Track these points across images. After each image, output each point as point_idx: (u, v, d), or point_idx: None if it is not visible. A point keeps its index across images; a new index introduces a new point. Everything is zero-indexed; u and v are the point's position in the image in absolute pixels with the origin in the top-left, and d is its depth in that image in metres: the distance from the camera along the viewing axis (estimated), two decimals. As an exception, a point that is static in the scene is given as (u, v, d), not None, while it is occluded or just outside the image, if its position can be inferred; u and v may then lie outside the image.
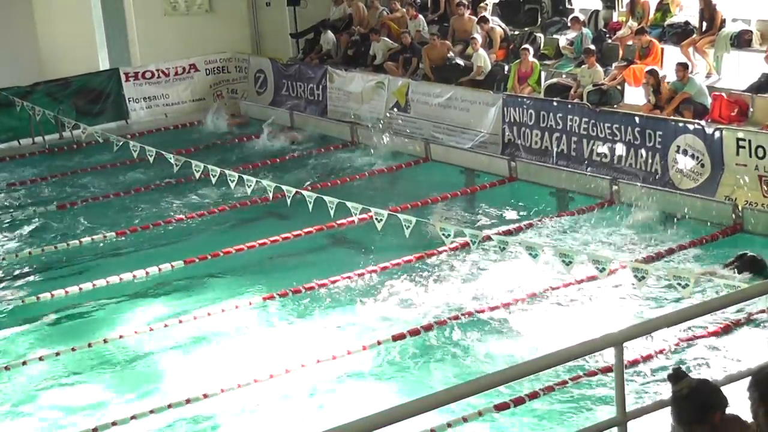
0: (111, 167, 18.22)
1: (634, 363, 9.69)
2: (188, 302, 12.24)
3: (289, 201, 13.53)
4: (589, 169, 15.35)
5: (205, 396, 9.71)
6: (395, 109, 18.92)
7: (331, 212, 12.83)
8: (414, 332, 10.87)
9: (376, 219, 12.39)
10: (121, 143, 16.42)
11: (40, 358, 10.78)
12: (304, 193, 13.42)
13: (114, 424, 9.30)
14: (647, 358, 9.86)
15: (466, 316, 11.25)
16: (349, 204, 12.65)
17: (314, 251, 13.78)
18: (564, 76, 17.44)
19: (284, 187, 13.55)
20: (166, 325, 11.41)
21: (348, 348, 10.56)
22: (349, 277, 12.43)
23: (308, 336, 11.07)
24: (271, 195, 13.87)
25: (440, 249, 13.07)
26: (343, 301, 11.88)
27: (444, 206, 15.21)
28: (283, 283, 12.36)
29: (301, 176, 16.80)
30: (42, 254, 14.06)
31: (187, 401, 9.65)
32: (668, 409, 4.30)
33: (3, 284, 13.28)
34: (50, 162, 19.31)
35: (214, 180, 14.50)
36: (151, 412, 9.49)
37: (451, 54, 18.89)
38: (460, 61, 18.59)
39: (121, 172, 18.01)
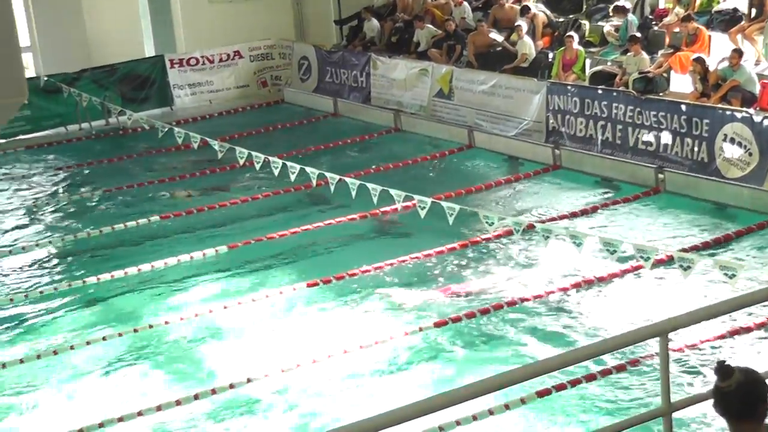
0: (156, 153, 18.36)
1: (680, 353, 9.61)
2: (232, 287, 12.32)
3: (332, 188, 13.56)
4: (634, 157, 15.23)
5: (249, 381, 9.77)
6: (439, 97, 18.88)
7: (375, 199, 12.83)
8: (456, 319, 10.86)
9: (420, 206, 12.37)
10: (165, 129, 16.53)
11: (87, 342, 10.90)
12: (348, 180, 13.44)
13: (159, 408, 9.40)
14: (692, 348, 9.78)
15: (509, 304, 11.21)
16: (392, 191, 12.65)
17: (357, 238, 13.80)
18: (609, 63, 17.29)
19: (328, 174, 13.58)
20: (210, 311, 11.49)
21: (390, 334, 10.57)
22: (391, 264, 12.43)
23: (351, 322, 11.09)
24: (314, 182, 13.90)
25: (483, 237, 13.04)
26: (385, 288, 11.88)
27: (488, 194, 15.18)
28: (326, 269, 12.39)
29: (345, 163, 16.81)
30: (87, 239, 14.21)
31: (231, 386, 9.72)
32: (713, 401, 4.25)
33: (49, 269, 13.44)
34: (96, 147, 19.51)
35: (257, 166, 14.55)
36: (196, 397, 9.58)
37: (495, 40, 18.81)
38: (508, 45, 18.51)
39: (165, 157, 18.14)
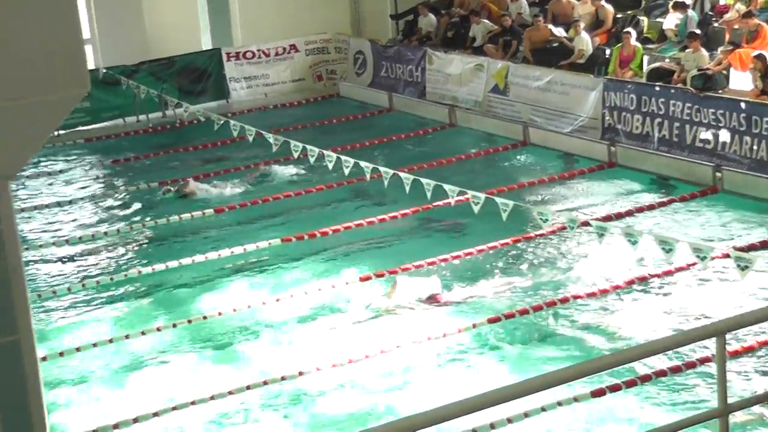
0: (212, 146, 18.51)
1: (736, 354, 9.49)
2: (285, 281, 12.38)
3: (386, 182, 13.57)
4: (691, 155, 15.06)
5: (301, 374, 9.82)
6: (494, 92, 18.80)
7: (428, 194, 12.82)
8: (509, 316, 10.82)
9: (473, 202, 12.33)
10: (221, 122, 16.66)
11: (142, 333, 11.01)
12: (401, 174, 13.44)
13: (212, 398, 9.48)
14: (749, 349, 9.66)
15: (562, 301, 11.15)
16: (446, 186, 12.63)
17: (410, 233, 13.80)
18: (667, 60, 17.09)
19: (381, 168, 13.59)
20: (263, 303, 11.56)
21: (443, 330, 10.56)
22: (444, 260, 12.42)
23: (403, 317, 11.09)
24: (368, 176, 13.91)
25: (537, 233, 12.98)
26: (438, 284, 11.84)
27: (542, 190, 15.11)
28: (379, 264, 12.42)
29: (399, 158, 16.80)
30: (143, 229, 14.36)
31: (283, 378, 9.78)
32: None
33: (106, 259, 13.61)
34: (153, 140, 19.71)
35: (312, 160, 14.61)
36: (248, 387, 9.65)
37: (553, 36, 18.70)
38: (566, 42, 18.39)
39: (221, 150, 18.28)
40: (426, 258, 12.42)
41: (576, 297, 11.22)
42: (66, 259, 13.65)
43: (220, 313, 11.36)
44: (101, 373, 10.36)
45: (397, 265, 12.24)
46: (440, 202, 13.45)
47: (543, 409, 8.62)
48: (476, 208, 12.28)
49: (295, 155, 14.99)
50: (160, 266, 12.63)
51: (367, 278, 12.04)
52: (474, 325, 10.67)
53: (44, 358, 10.14)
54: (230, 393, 9.54)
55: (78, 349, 10.70)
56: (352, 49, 22.49)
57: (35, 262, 13.32)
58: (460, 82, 19.52)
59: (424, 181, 12.83)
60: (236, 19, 23.59)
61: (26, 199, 16.26)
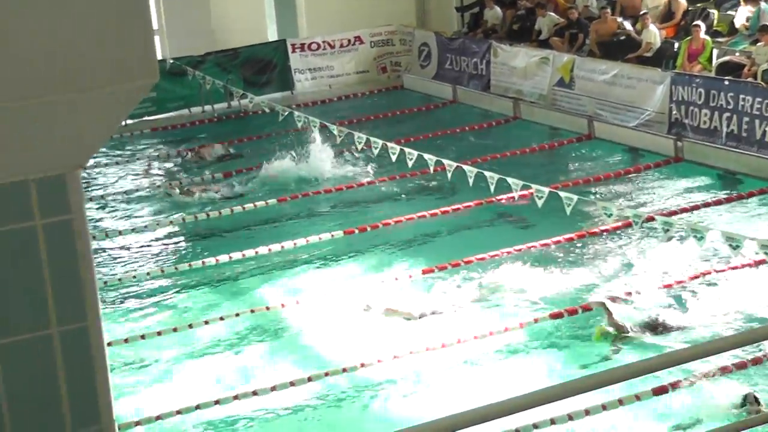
0: (276, 136, 18.60)
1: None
2: (347, 272, 12.42)
3: (449, 175, 13.54)
4: (760, 150, 14.80)
5: (362, 365, 9.84)
6: (559, 86, 18.66)
7: (492, 187, 12.77)
8: (572, 312, 10.75)
9: (537, 195, 12.26)
10: (286, 113, 16.74)
11: (206, 322, 11.12)
12: (465, 167, 13.39)
13: (273, 389, 9.53)
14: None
15: (627, 295, 11.03)
16: (509, 179, 12.57)
17: (473, 226, 13.76)
18: (737, 54, 16.81)
19: (445, 161, 13.56)
20: (325, 294, 11.60)
21: (504, 324, 10.52)
22: (507, 253, 12.36)
23: (465, 310, 11.07)
24: (432, 168, 13.89)
25: (601, 228, 12.86)
26: (500, 277, 11.80)
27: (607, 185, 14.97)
28: (441, 257, 12.40)
29: (462, 150, 16.76)
30: (207, 220, 14.48)
31: (344, 370, 9.81)
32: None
33: (171, 248, 13.77)
34: (218, 130, 19.87)
35: (375, 152, 14.62)
36: (309, 379, 9.69)
37: (620, 29, 18.49)
38: (634, 35, 18.18)
39: (285, 141, 18.37)
40: (488, 251, 12.36)
41: (640, 292, 11.09)
42: (132, 248, 13.83)
43: (283, 305, 11.43)
44: (164, 361, 10.48)
45: (460, 258, 12.21)
46: (503, 196, 13.39)
47: (603, 407, 8.54)
48: (540, 202, 12.20)
49: (359, 147, 15.02)
50: (224, 257, 12.74)
51: (430, 271, 12.04)
52: (536, 320, 10.61)
53: (109, 344, 10.28)
54: (292, 384, 9.59)
55: (143, 337, 10.84)
56: (417, 41, 22.45)
57: (103, 250, 13.52)
58: (525, 75, 19.39)
59: (487, 174, 12.78)
60: (302, 11, 23.68)
61: (95, 187, 16.49)
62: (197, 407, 9.29)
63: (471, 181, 13.08)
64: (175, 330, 10.98)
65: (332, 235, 13.23)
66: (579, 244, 12.66)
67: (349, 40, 22.54)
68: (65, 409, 2.75)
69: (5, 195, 2.67)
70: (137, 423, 9.04)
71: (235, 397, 9.44)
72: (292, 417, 9.32)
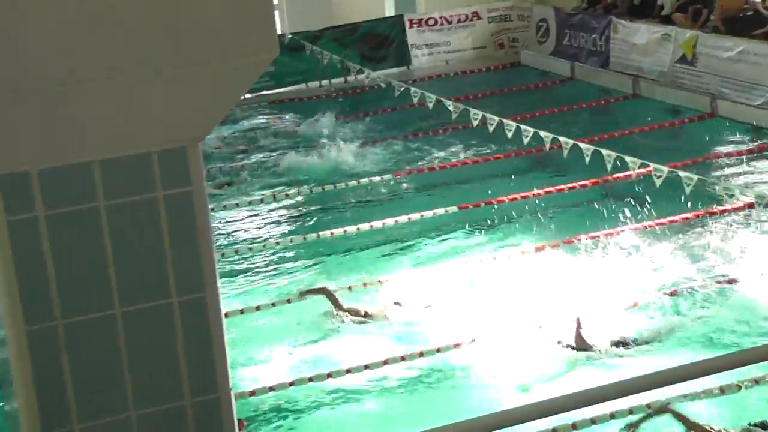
0: (391, 111, 18.64)
1: None
2: (459, 248, 12.38)
3: (565, 153, 13.37)
4: None
5: (456, 346, 9.69)
6: (681, 63, 18.21)
7: (608, 166, 12.56)
8: (673, 293, 10.51)
9: (656, 175, 12.01)
10: (402, 89, 16.74)
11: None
12: (581, 145, 13.20)
13: (348, 371, 9.50)
14: None
15: (730, 282, 10.75)
16: (627, 158, 12.34)
17: (588, 204, 13.56)
18: None
19: (561, 138, 13.38)
20: (437, 270, 11.58)
21: (624, 303, 10.34)
22: (622, 231, 12.15)
23: (578, 289, 10.91)
24: (547, 146, 13.74)
25: (722, 209, 12.54)
26: (615, 256, 11.62)
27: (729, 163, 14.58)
28: (555, 234, 12.27)
29: (579, 128, 16.52)
30: (324, 192, 14.61)
31: (438, 350, 9.71)
32: None
33: (275, 223, 13.92)
34: (335, 104, 19.99)
35: (491, 129, 14.51)
36: (384, 362, 9.62)
37: (747, 4, 17.94)
38: (762, 10, 17.61)
39: (399, 115, 18.39)
40: (603, 229, 12.18)
41: (763, 275, 10.78)
42: (238, 222, 14.03)
43: (380, 281, 11.41)
44: (265, 336, 10.58)
45: (573, 235, 12.07)
46: (621, 174, 13.16)
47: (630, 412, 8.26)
48: (658, 182, 11.96)
49: (474, 123, 14.94)
50: (338, 230, 12.83)
51: (542, 248, 11.92)
52: (653, 301, 10.42)
53: (226, 315, 10.41)
54: (385, 363, 9.56)
55: (242, 312, 10.93)
56: (535, 16, 22.18)
57: (220, 222, 13.76)
58: (646, 52, 18.98)
59: (604, 152, 12.57)
60: (419, -14, 23.63)
61: (213, 161, 16.75)
62: (291, 384, 9.35)
63: (587, 159, 12.88)
64: (288, 301, 11.11)
65: (446, 211, 13.21)
66: (697, 225, 12.37)
67: (467, 16, 22.40)
68: (183, 377, 2.81)
69: (129, 167, 2.73)
70: (251, 393, 9.19)
71: (329, 375, 9.43)
72: (388, 395, 9.29)
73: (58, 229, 2.65)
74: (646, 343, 9.70)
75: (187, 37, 2.67)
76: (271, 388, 9.33)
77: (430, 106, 15.97)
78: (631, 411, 8.12)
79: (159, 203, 2.76)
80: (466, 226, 13.01)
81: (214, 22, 2.68)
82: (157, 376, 2.78)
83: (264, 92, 20.55)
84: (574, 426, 8.06)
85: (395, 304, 10.78)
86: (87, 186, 2.67)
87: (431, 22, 22.26)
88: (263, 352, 10.24)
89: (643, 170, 12.29)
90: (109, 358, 2.73)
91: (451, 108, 15.38)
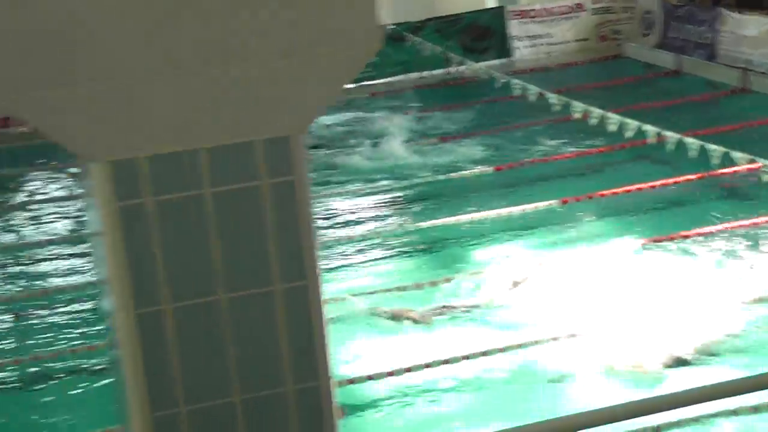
0: (492, 103, 18.54)
1: None
2: (562, 242, 12.27)
3: (671, 146, 13.14)
4: None
5: (554, 339, 9.64)
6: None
7: (715, 161, 12.31)
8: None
9: (765, 171, 11.73)
10: (503, 81, 16.65)
11: (417, 286, 11.23)
12: (687, 139, 12.96)
13: (466, 357, 9.47)
14: None
15: None
16: (734, 153, 12.07)
17: (693, 200, 13.31)
18: None
19: (667, 132, 13.16)
20: (539, 263, 11.50)
21: (726, 302, 10.14)
22: (726, 228, 11.89)
23: (680, 285, 10.72)
24: (652, 139, 13.51)
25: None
26: (717, 253, 11.38)
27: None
28: (657, 230, 12.08)
29: (685, 122, 16.20)
30: (423, 182, 14.62)
31: (536, 342, 9.64)
32: None
33: (385, 211, 13.97)
34: (434, 96, 19.98)
35: (594, 122, 14.34)
36: (500, 350, 9.56)
37: None
38: None
39: (501, 108, 18.30)
40: (707, 225, 11.94)
41: None
42: (342, 210, 14.12)
43: (479, 272, 11.38)
44: (375, 322, 10.64)
45: (676, 231, 11.86)
46: (728, 170, 12.87)
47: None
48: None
49: (576, 116, 14.78)
50: (437, 221, 12.83)
51: (646, 243, 11.74)
52: (759, 299, 10.18)
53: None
54: (484, 354, 9.52)
55: (354, 295, 11.03)
56: (641, 8, 21.80)
57: (320, 210, 13.88)
58: (756, 45, 18.50)
59: (710, 147, 12.31)
60: (522, -23, 23.46)
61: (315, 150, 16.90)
62: (389, 374, 9.37)
63: (693, 154, 12.64)
64: (388, 291, 11.14)
65: (548, 204, 13.08)
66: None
67: (570, 7, 22.15)
68: (285, 364, 2.85)
69: (234, 155, 2.78)
70: (350, 381, 9.26)
71: (426, 366, 9.43)
72: (483, 387, 9.26)
73: (166, 214, 2.71)
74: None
75: (294, 28, 2.70)
76: (369, 377, 9.37)
77: (532, 98, 15.84)
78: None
79: (262, 191, 2.80)
80: (568, 220, 12.88)
81: (321, 13, 2.71)
82: (259, 362, 2.83)
83: (365, 83, 20.64)
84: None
85: (445, 307, 10.73)
86: (194, 173, 2.72)
87: (533, 13, 22.07)
88: (361, 340, 10.29)
89: (751, 165, 12.01)
90: (214, 342, 2.79)
91: (552, 100, 15.24)
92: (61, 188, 15.90)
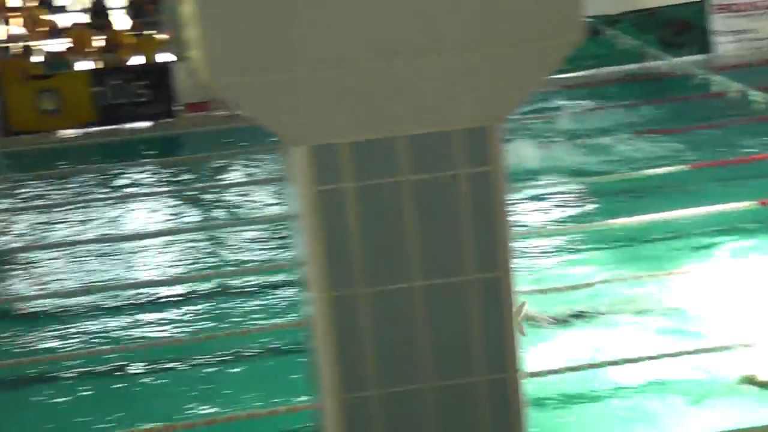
0: (689, 100, 18.01)
1: None
2: (756, 247, 11.82)
3: None
4: None
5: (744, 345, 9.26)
6: None
7: None
8: None
9: None
10: (702, 77, 16.15)
11: (605, 281, 11.04)
12: None
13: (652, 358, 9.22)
14: None
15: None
16: None
17: None
18: None
19: None
20: (738, 266, 11.09)
21: None
22: None
23: None
24: None
25: None
26: None
27: None
28: None
29: None
30: (602, 181, 14.36)
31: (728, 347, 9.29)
32: None
33: (574, 204, 13.81)
34: (629, 90, 19.57)
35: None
36: (684, 353, 9.26)
37: None
38: None
39: (699, 105, 17.76)
40: None
41: None
42: (536, 201, 14.01)
43: (688, 272, 11.07)
44: (563, 319, 10.50)
45: None
46: None
47: None
48: None
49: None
50: (630, 219, 12.56)
51: None
52: None
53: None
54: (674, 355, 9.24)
55: (542, 292, 10.90)
56: None
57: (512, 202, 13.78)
58: None
59: None
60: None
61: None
62: (571, 369, 9.21)
63: None
64: (589, 285, 10.99)
65: (746, 205, 12.61)
66: None
67: (777, 1, 21.28)
68: (476, 354, 2.86)
69: (432, 144, 2.80)
70: (532, 375, 9.18)
71: (612, 363, 9.23)
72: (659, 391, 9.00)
73: (364, 200, 2.76)
74: None
75: (496, 17, 2.70)
76: (551, 372, 9.27)
77: (733, 95, 15.31)
78: None
79: (459, 181, 2.81)
80: (764, 222, 12.39)
81: (524, 3, 2.70)
82: (450, 350, 2.85)
83: (558, 75, 20.39)
84: None
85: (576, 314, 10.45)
86: (392, 160, 2.76)
87: (737, 7, 21.27)
88: (543, 334, 10.20)
89: None
90: (406, 329, 2.82)
91: (755, 98, 14.68)
92: (259, 171, 16.39)
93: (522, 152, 15.98)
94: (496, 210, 2.86)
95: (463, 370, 2.85)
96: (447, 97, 2.77)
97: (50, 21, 23.64)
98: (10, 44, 21.92)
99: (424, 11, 2.66)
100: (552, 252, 12.37)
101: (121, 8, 23.99)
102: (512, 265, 2.90)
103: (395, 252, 2.79)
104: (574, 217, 13.42)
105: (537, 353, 9.63)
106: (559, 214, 13.62)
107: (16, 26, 23.89)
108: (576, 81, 20.45)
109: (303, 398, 8.11)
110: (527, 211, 13.76)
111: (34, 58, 20.50)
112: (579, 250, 12.29)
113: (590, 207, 13.81)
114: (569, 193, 14.36)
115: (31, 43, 21.55)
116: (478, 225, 2.84)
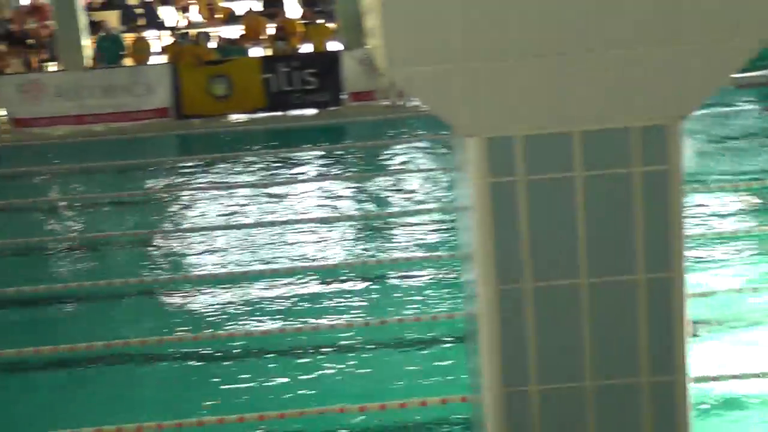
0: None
1: None
2: None
3: None
4: None
5: None
6: None
7: None
8: None
9: None
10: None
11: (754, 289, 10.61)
12: None
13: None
14: None
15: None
16: None
17: None
18: None
19: None
20: None
21: None
22: None
23: None
24: None
25: None
26: None
27: None
28: None
29: None
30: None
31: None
32: None
33: (734, 211, 13.34)
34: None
35: None
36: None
37: None
38: None
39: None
40: None
41: None
42: (704, 208, 13.60)
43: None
44: (743, 324, 10.14)
45: None
46: None
47: None
48: None
49: None
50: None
51: None
52: None
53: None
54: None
55: (703, 294, 10.56)
56: None
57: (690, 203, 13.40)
58: None
59: None
60: None
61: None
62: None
63: None
64: (754, 290, 10.60)
65: None
66: None
67: None
68: (642, 355, 2.81)
69: (606, 140, 2.76)
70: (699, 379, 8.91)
71: (735, 376, 8.85)
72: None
73: (536, 194, 2.74)
74: None
75: (687, 14, 2.64)
76: (714, 378, 8.99)
77: None
78: None
79: (634, 179, 2.76)
80: None
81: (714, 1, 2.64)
82: (615, 350, 2.80)
83: (734, 75, 19.71)
84: None
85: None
86: (566, 155, 2.73)
87: None
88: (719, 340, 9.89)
89: None
90: (571, 325, 2.79)
91: None
92: (426, 160, 16.40)
93: (697, 152, 15.58)
94: (671, 210, 2.80)
95: (628, 370, 2.80)
96: (625, 94, 2.73)
97: (227, 8, 24.35)
98: (189, 30, 22.65)
99: (609, 5, 2.63)
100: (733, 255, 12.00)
101: (293, -3, 24.52)
102: (685, 267, 2.83)
103: (564, 247, 2.76)
104: (749, 222, 12.96)
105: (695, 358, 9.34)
106: (731, 216, 13.17)
107: (195, 13, 24.72)
108: (754, 80, 19.75)
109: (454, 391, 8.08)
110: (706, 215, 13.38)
111: (208, 45, 21.12)
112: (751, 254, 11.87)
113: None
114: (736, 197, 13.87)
115: (208, 29, 22.23)
116: (652, 224, 2.78)
